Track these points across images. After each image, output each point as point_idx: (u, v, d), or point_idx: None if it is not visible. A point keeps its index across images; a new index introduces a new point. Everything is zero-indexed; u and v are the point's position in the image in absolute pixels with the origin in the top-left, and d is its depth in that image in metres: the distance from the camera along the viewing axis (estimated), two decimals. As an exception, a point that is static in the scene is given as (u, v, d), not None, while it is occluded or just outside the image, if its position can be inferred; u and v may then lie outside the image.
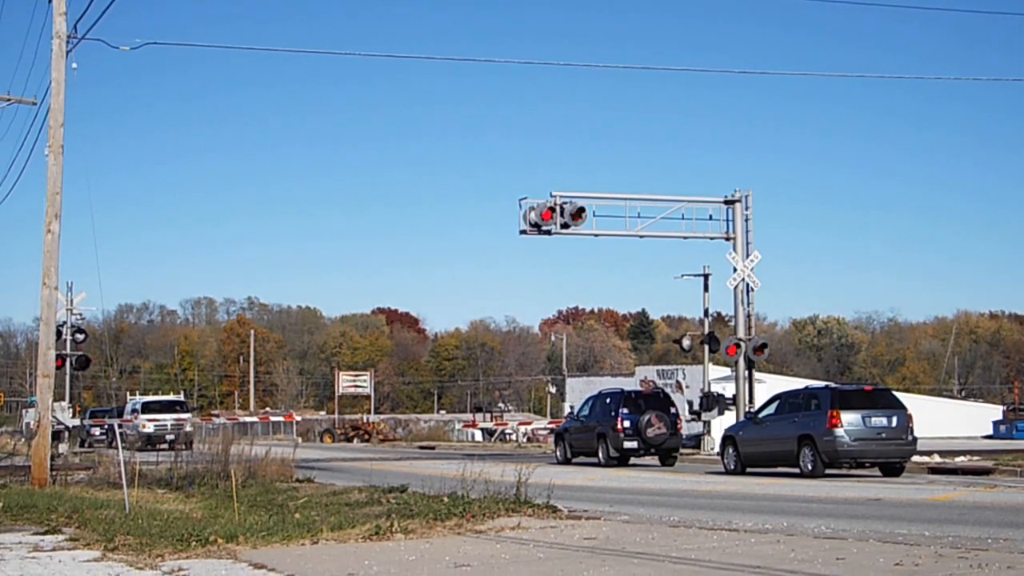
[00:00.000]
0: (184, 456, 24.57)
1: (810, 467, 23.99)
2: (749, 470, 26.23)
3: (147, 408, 52.69)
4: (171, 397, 61.56)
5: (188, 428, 49.29)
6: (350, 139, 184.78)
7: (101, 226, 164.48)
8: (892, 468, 24.47)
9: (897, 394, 27.47)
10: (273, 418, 73.30)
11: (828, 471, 24.16)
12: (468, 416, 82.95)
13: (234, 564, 10.57)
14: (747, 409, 32.24)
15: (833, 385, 27.43)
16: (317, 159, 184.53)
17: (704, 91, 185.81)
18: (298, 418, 72.63)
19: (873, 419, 23.95)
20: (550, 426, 61.42)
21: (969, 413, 68.58)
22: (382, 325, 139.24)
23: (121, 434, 50.39)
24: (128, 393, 59.54)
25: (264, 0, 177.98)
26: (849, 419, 23.71)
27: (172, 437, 47.11)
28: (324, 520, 13.49)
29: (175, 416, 51.22)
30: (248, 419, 65.73)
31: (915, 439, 24.58)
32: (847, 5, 74.50)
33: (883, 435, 23.94)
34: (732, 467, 26.55)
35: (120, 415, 56.20)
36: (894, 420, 24.08)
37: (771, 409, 26.55)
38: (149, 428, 49.43)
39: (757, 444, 26.13)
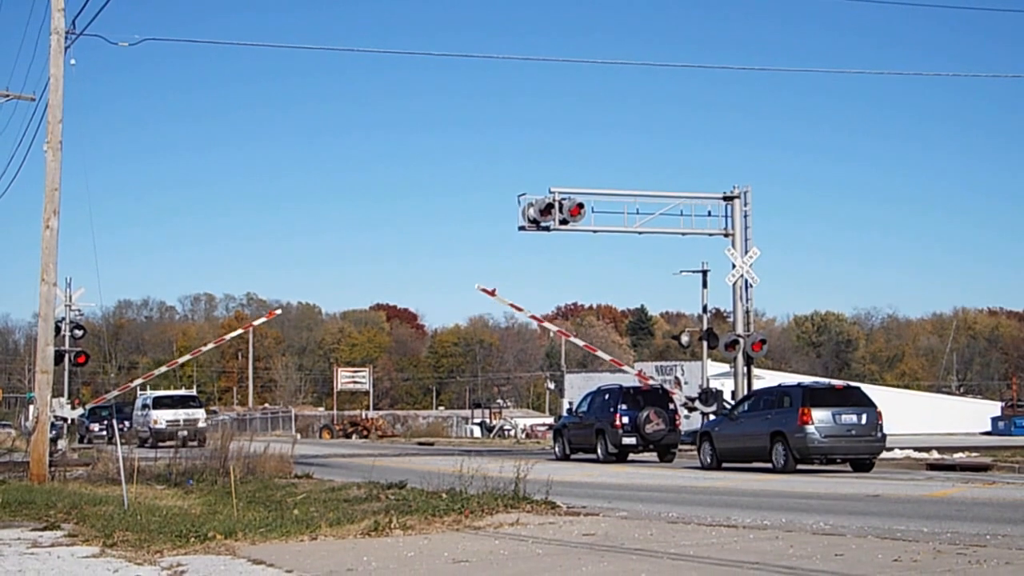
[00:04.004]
0: (183, 452, 24.56)
1: (782, 463, 24.53)
2: (724, 465, 26.71)
3: (159, 403, 50.30)
4: (183, 392, 58.14)
5: (201, 424, 47.67)
6: (349, 135, 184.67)
7: (100, 222, 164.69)
8: (862, 464, 24.96)
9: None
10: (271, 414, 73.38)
11: (800, 467, 24.63)
12: (467, 412, 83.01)
13: (233, 560, 10.58)
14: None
15: (805, 383, 27.86)
16: (315, 155, 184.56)
17: (703, 87, 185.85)
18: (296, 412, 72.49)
19: (843, 416, 24.53)
20: (548, 422, 61.48)
21: (967, 409, 68.54)
22: (381, 321, 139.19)
23: (130, 430, 49.38)
24: (140, 389, 58.02)
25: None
26: (820, 416, 24.27)
27: (185, 433, 45.04)
28: (323, 516, 13.50)
29: (188, 412, 49.34)
30: (260, 414, 65.16)
31: (884, 436, 25.14)
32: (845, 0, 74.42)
33: (853, 432, 24.51)
34: (708, 462, 27.09)
35: (119, 411, 55.71)
36: (864, 417, 24.66)
37: (746, 406, 27.35)
38: (161, 424, 47.82)
39: (732, 440, 26.69)
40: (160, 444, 40.56)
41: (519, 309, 33.86)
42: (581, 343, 39.68)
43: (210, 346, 54.30)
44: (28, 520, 14.69)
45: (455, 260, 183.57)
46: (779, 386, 27.61)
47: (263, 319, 36.93)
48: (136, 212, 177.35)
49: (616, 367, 42.19)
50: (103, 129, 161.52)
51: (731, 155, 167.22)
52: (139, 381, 43.18)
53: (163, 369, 38.39)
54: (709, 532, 11.95)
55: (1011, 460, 28.31)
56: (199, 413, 50.23)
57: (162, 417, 48.52)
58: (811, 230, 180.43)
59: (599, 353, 40.77)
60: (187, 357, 42.91)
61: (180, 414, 48.92)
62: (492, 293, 33.25)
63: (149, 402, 50.78)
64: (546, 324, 35.10)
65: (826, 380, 34.09)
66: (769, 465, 24.95)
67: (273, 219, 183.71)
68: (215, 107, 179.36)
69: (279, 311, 34.91)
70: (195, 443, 35.33)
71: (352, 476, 22.29)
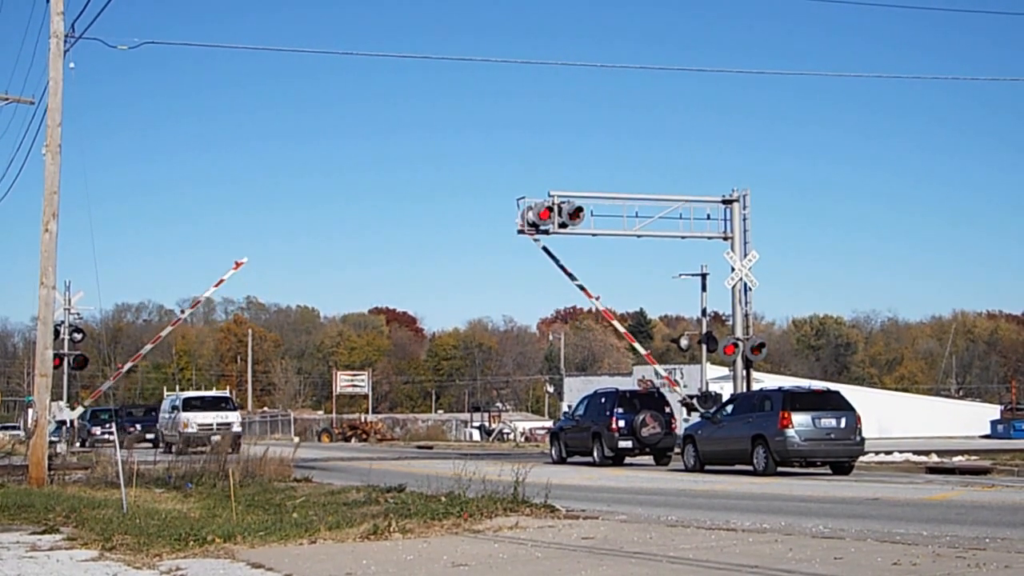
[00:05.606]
0: (184, 457, 24.53)
1: (763, 465, 24.88)
2: (707, 468, 26.99)
3: (189, 405, 45.87)
4: (216, 392, 53.80)
5: (236, 428, 43.46)
6: (347, 138, 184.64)
7: (98, 225, 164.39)
8: (841, 467, 25.32)
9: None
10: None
11: (780, 469, 24.95)
12: (466, 416, 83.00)
13: (232, 564, 10.58)
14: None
15: (786, 387, 28.28)
16: (314, 158, 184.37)
17: (703, 90, 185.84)
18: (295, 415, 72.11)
19: (823, 420, 24.89)
20: (548, 425, 61.51)
21: (967, 413, 68.60)
22: (380, 325, 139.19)
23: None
24: (168, 390, 56.44)
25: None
26: (799, 420, 24.65)
27: (218, 438, 39.68)
28: (322, 519, 13.50)
29: (222, 414, 45.10)
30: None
31: (863, 439, 25.47)
32: (844, 3, 74.62)
33: (832, 435, 24.87)
34: (691, 464, 27.44)
35: (120, 414, 55.29)
36: (843, 421, 25.00)
37: (728, 410, 27.81)
38: (192, 428, 43.73)
39: (715, 443, 27.09)
40: (192, 451, 35.47)
41: (552, 257, 33.67)
42: (601, 307, 38.85)
43: (188, 312, 53.77)
44: (27, 523, 14.68)
45: (454, 263, 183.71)
46: (760, 390, 28.10)
47: (231, 271, 35.29)
48: (135, 215, 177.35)
49: (629, 342, 42.24)
50: (102, 132, 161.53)
51: (730, 158, 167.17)
52: (130, 365, 41.99)
53: (149, 347, 37.50)
54: (708, 535, 11.95)
55: (1010, 463, 28.31)
56: (233, 416, 46.02)
57: (193, 420, 44.47)
58: (810, 233, 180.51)
59: (615, 323, 40.81)
60: (169, 329, 41.28)
61: (213, 417, 44.78)
62: (534, 236, 33.12)
63: (178, 403, 46.79)
64: (575, 279, 34.92)
65: (807, 384, 34.41)
66: (750, 468, 25.24)
67: (271, 222, 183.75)
68: (214, 110, 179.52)
69: (245, 260, 33.23)
70: (229, 449, 31.71)
71: (351, 480, 22.28)
